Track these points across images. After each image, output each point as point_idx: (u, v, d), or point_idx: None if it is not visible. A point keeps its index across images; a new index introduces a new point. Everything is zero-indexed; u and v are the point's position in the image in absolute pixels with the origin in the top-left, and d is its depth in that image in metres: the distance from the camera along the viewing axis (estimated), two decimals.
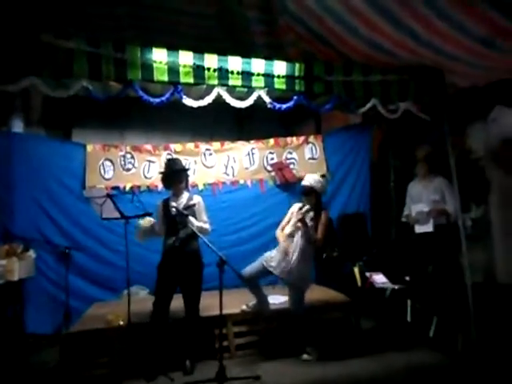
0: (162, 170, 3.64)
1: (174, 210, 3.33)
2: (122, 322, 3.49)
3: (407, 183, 4.57)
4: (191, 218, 3.34)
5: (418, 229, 4.24)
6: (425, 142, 4.69)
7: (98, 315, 3.79)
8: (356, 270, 4.36)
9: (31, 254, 4.12)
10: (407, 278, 4.06)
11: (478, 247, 4.06)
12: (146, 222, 3.45)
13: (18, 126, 4.68)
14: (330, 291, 4.38)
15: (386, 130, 5.24)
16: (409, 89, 3.75)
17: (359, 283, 4.29)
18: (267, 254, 3.67)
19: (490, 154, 4.08)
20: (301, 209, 3.57)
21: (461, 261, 3.75)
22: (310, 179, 3.66)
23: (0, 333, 3.57)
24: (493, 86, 3.83)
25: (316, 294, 4.15)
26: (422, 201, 4.25)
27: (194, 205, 3.49)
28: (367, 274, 4.31)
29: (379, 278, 4.15)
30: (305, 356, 3.49)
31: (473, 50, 3.22)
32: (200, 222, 3.43)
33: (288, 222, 3.72)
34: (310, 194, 3.62)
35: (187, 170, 3.72)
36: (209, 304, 3.52)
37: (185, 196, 3.54)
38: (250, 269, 3.64)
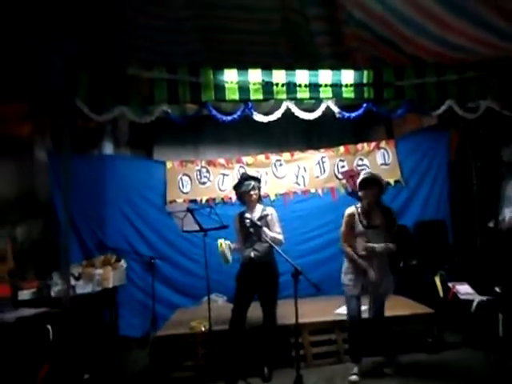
0: (236, 183, 3.82)
1: (248, 221, 3.47)
2: (203, 328, 3.70)
3: (491, 185, 4.24)
4: (265, 229, 3.45)
5: None
6: (510, 141, 4.35)
7: (182, 321, 4.06)
8: (437, 279, 4.14)
9: (123, 263, 4.54)
10: (497, 289, 3.75)
11: None
12: (223, 245, 3.52)
13: (108, 148, 5.23)
14: (410, 302, 4.20)
15: (464, 131, 4.92)
16: (489, 85, 3.52)
17: (441, 294, 4.06)
18: (347, 283, 3.38)
19: None
20: (359, 215, 3.31)
21: None
22: (369, 172, 3.47)
23: (98, 335, 3.97)
24: None
25: (395, 304, 4.01)
26: None
27: (267, 215, 3.61)
28: (450, 285, 4.06)
29: (464, 289, 3.89)
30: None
31: None
32: (273, 233, 3.53)
33: (348, 230, 3.38)
34: (369, 186, 3.27)
35: (258, 178, 3.83)
36: (284, 313, 3.59)
37: (258, 208, 3.67)
38: (351, 312, 3.38)
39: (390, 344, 3.48)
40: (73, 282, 3.86)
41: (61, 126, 3.45)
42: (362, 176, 3.43)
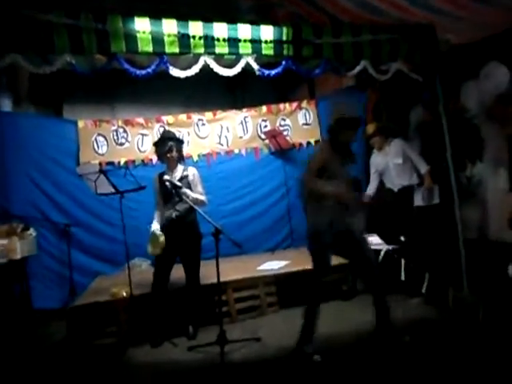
0: (155, 141, 3.65)
1: (168, 183, 3.35)
2: (125, 294, 3.60)
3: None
4: (186, 190, 3.37)
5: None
6: (418, 103, 4.67)
7: (102, 288, 3.91)
8: None
9: (31, 232, 4.19)
10: (402, 238, 4.14)
11: (473, 204, 4.11)
12: (162, 238, 3.35)
13: (5, 105, 4.63)
14: None
15: (379, 92, 5.17)
16: (400, 48, 3.68)
17: None
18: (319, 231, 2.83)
19: (483, 111, 4.05)
20: None
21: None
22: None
23: (8, 309, 3.68)
24: (486, 42, 3.74)
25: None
26: (389, 168, 4.40)
27: (187, 176, 3.51)
28: None
29: (374, 240, 4.23)
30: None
31: (465, 5, 3.14)
32: (195, 194, 3.46)
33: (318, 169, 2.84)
34: (354, 127, 2.91)
35: (178, 139, 3.69)
36: (208, 272, 3.61)
37: (179, 169, 3.56)
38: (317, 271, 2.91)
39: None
40: None
41: None
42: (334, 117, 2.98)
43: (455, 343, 2.90)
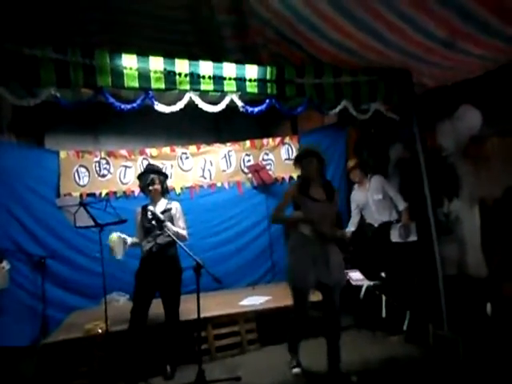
0: (139, 173, 3.66)
1: (150, 214, 3.33)
2: (100, 330, 3.47)
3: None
4: (168, 224, 3.35)
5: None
6: (397, 140, 4.83)
7: (77, 324, 3.77)
8: None
9: (5, 265, 4.05)
10: (383, 274, 4.16)
11: (451, 240, 4.19)
12: (114, 238, 3.40)
13: None
14: None
15: (360, 130, 5.34)
16: (378, 89, 3.84)
17: None
18: (294, 275, 2.96)
19: (458, 151, 4.22)
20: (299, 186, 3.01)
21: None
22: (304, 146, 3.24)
23: None
24: (459, 85, 3.96)
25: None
26: (369, 204, 4.49)
27: (170, 209, 3.50)
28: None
29: (355, 276, 4.24)
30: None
31: (435, 51, 3.33)
32: (177, 228, 3.44)
33: (284, 205, 3.08)
34: (306, 157, 3.00)
35: (162, 172, 3.70)
36: (188, 308, 3.53)
37: (162, 202, 3.55)
38: (296, 307, 3.03)
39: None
40: None
41: None
42: (296, 155, 3.21)
43: (435, 381, 2.87)
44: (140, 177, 3.60)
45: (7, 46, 2.75)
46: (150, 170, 3.60)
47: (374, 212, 4.49)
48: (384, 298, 3.93)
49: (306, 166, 3.05)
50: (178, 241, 3.21)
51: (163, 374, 3.32)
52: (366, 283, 4.12)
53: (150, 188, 3.46)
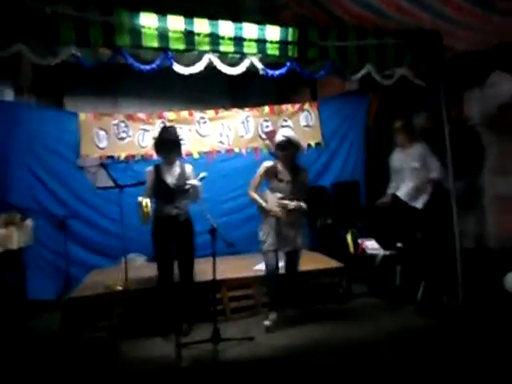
0: (155, 137, 3.63)
1: (174, 183, 3.40)
2: (120, 288, 3.60)
3: None
4: (191, 181, 3.36)
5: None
6: (422, 109, 4.67)
7: (97, 281, 3.90)
8: (349, 236, 4.44)
9: (29, 223, 4.18)
10: (399, 245, 4.14)
11: (471, 214, 4.11)
12: (148, 207, 3.27)
13: (8, 95, 4.61)
14: (324, 257, 4.47)
15: (382, 96, 5.17)
16: (405, 53, 3.67)
17: (352, 250, 4.38)
18: (263, 239, 3.49)
19: (485, 120, 4.05)
20: (273, 168, 3.48)
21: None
22: (286, 133, 3.57)
23: (2, 299, 3.67)
24: (491, 51, 3.74)
25: (310, 260, 4.25)
26: (404, 170, 4.28)
27: (185, 172, 3.51)
28: (359, 241, 4.39)
29: (371, 245, 4.24)
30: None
31: (472, 12, 3.13)
32: (193, 181, 3.43)
33: (258, 181, 3.53)
34: (286, 149, 3.46)
35: (180, 140, 3.65)
36: (202, 270, 3.61)
37: (177, 164, 3.55)
38: (267, 267, 3.53)
39: (305, 296, 3.72)
40: None
41: None
42: (278, 138, 3.51)
43: (446, 352, 2.89)
44: (157, 144, 3.55)
45: (29, 3, 2.71)
46: (167, 138, 3.51)
47: (406, 179, 4.28)
48: (399, 267, 3.93)
49: (285, 153, 3.50)
50: (196, 198, 3.27)
51: (180, 331, 3.44)
52: (381, 252, 4.12)
53: (173, 155, 3.47)
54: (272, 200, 3.47)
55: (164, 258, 3.48)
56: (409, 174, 4.26)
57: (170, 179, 3.43)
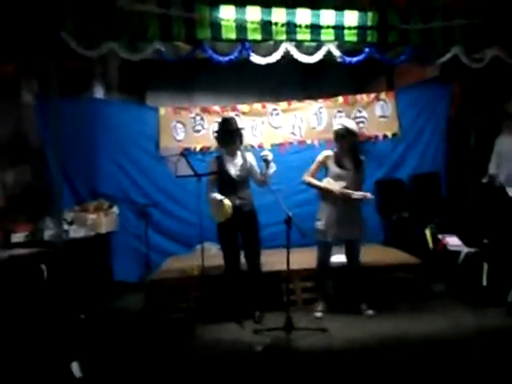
0: (217, 132, 3.64)
1: (236, 177, 3.47)
2: (196, 273, 3.76)
3: (490, 141, 4.20)
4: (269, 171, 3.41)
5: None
6: None
7: (175, 267, 4.12)
8: (428, 231, 4.20)
9: (115, 210, 4.53)
10: (485, 241, 3.82)
11: None
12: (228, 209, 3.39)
13: (98, 92, 5.03)
14: (400, 252, 4.27)
15: (467, 84, 4.78)
16: (497, 32, 3.36)
17: (431, 245, 4.14)
18: (320, 228, 3.53)
19: None
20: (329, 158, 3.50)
21: None
22: (344, 122, 3.55)
23: (94, 278, 4.02)
24: None
25: (385, 255, 4.09)
26: (510, 156, 3.90)
27: (247, 161, 3.55)
28: (440, 237, 4.13)
29: (453, 241, 3.96)
30: (370, 312, 3.50)
31: None
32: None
33: (316, 169, 3.61)
34: (343, 138, 3.45)
35: (240, 130, 3.63)
36: (273, 261, 3.65)
37: (239, 155, 3.58)
38: (321, 259, 3.59)
39: (378, 292, 3.59)
40: (66, 226, 3.86)
41: (47, 66, 3.25)
42: (335, 127, 3.53)
43: None
44: (218, 135, 3.59)
45: (118, 2, 2.92)
46: (227, 128, 3.52)
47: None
48: (486, 265, 3.63)
49: (343, 142, 3.47)
50: (266, 186, 3.33)
51: (252, 319, 3.51)
52: (464, 249, 3.84)
53: (234, 145, 3.51)
54: (335, 186, 3.45)
55: (230, 248, 3.57)
56: None
57: (234, 170, 3.49)
